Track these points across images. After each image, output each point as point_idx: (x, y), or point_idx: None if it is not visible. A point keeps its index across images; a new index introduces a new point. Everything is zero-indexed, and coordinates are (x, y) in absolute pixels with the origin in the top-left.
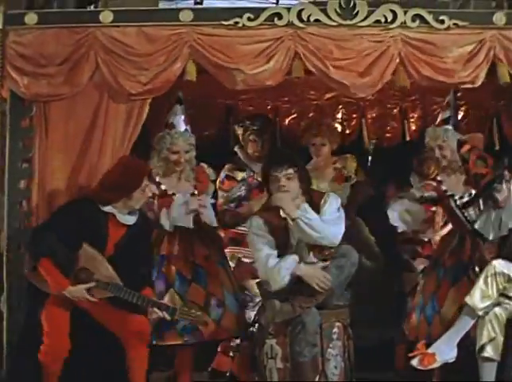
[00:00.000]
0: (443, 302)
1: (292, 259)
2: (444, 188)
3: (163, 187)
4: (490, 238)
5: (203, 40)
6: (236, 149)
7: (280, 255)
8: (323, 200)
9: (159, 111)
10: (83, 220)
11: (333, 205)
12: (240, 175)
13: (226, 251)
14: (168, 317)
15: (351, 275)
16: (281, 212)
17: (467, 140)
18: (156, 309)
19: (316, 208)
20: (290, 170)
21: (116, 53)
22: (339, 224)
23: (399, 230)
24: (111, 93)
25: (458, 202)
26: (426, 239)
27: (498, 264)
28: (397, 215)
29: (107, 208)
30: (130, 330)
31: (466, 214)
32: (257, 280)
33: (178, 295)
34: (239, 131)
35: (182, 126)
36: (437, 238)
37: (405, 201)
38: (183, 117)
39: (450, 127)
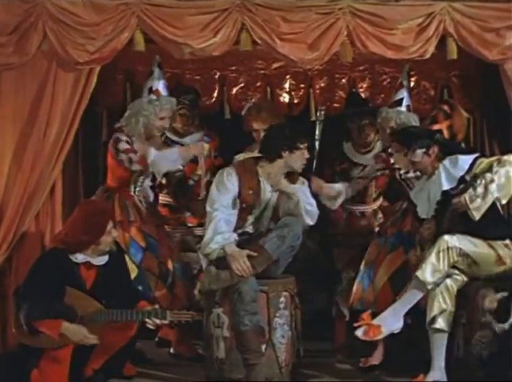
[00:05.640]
0: (377, 271)
1: (228, 236)
2: (392, 160)
3: (135, 147)
4: (420, 210)
5: (151, 10)
6: None
7: (244, 209)
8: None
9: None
10: (58, 271)
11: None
12: None
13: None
14: (159, 322)
15: (295, 247)
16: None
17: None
18: (150, 320)
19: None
20: (307, 144)
21: (64, 23)
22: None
23: (332, 208)
24: (59, 62)
25: (403, 176)
26: (359, 214)
27: (451, 239)
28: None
29: (80, 258)
30: (124, 336)
31: (411, 186)
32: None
33: (133, 263)
34: None
35: (165, 92)
36: (370, 211)
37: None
38: (163, 82)
39: (403, 109)
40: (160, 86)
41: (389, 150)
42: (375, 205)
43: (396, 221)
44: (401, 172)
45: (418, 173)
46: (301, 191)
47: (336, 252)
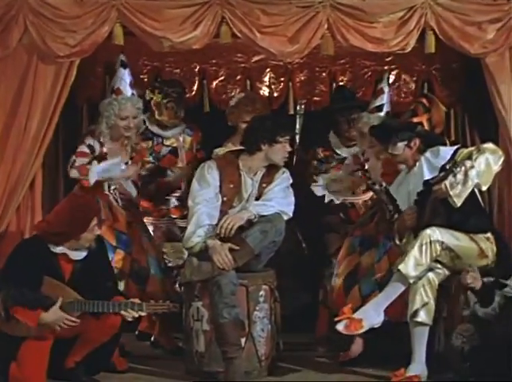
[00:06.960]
0: (338, 271)
1: (211, 229)
2: (366, 166)
3: (104, 150)
4: (401, 204)
5: (131, 3)
6: (145, 117)
7: (225, 203)
8: (276, 176)
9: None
10: (37, 261)
11: (283, 184)
12: (145, 145)
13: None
14: (136, 314)
15: (277, 242)
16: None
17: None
18: (126, 312)
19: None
20: (288, 137)
21: (44, 16)
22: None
23: (326, 199)
24: (40, 55)
25: (369, 185)
26: (349, 204)
27: (433, 232)
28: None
29: (58, 250)
30: (107, 332)
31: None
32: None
33: None
34: (156, 98)
35: (129, 91)
36: (360, 202)
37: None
38: (129, 81)
39: (383, 115)
40: (122, 85)
41: (365, 156)
42: (365, 197)
43: (362, 224)
44: (369, 181)
45: (383, 186)
46: (274, 192)
47: (327, 237)
